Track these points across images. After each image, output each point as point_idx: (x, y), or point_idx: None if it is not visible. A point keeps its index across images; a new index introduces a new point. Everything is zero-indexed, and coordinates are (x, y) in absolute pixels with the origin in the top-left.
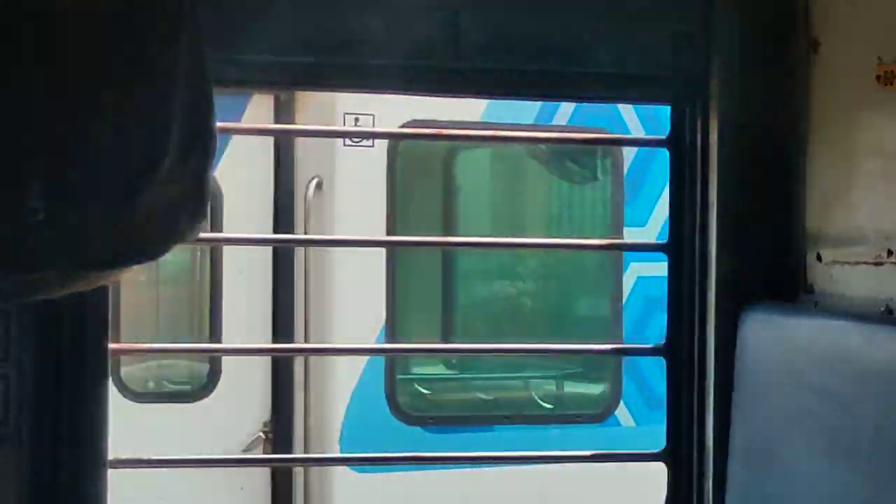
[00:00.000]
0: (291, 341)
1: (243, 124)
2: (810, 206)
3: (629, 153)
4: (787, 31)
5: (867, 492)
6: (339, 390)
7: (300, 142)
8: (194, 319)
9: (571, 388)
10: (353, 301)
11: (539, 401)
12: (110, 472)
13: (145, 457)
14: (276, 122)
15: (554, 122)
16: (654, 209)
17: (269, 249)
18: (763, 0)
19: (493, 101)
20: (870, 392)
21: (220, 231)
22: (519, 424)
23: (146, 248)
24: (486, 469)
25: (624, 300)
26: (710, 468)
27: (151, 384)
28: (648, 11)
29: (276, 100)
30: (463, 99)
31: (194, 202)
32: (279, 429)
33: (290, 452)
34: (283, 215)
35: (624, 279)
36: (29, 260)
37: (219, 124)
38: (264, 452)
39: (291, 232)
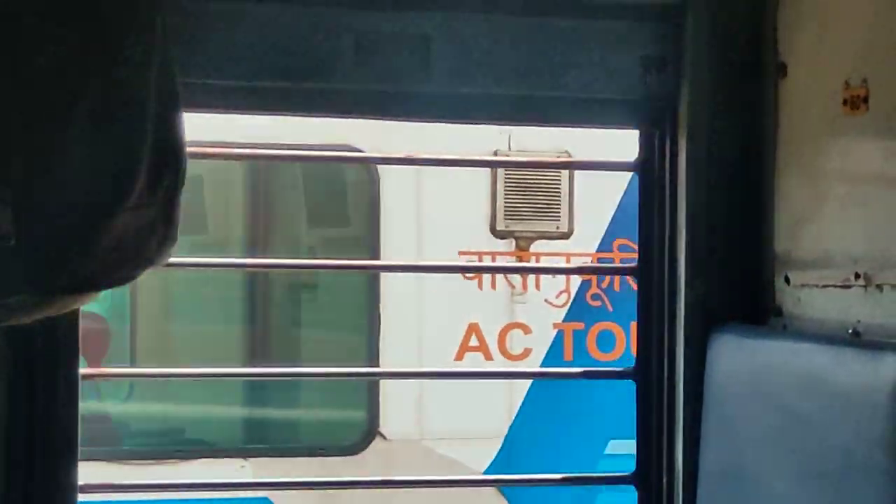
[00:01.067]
0: None
1: (215, 148)
2: (779, 230)
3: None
4: (756, 55)
5: None
6: None
7: None
8: None
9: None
10: None
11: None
12: (82, 498)
13: (117, 482)
14: None
15: None
16: None
17: None
18: (732, 25)
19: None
20: (838, 414)
21: None
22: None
23: (117, 273)
24: None
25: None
26: (679, 492)
27: None
28: (618, 36)
29: None
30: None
31: (165, 226)
32: None
33: None
34: None
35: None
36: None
37: (190, 149)
38: None
39: None
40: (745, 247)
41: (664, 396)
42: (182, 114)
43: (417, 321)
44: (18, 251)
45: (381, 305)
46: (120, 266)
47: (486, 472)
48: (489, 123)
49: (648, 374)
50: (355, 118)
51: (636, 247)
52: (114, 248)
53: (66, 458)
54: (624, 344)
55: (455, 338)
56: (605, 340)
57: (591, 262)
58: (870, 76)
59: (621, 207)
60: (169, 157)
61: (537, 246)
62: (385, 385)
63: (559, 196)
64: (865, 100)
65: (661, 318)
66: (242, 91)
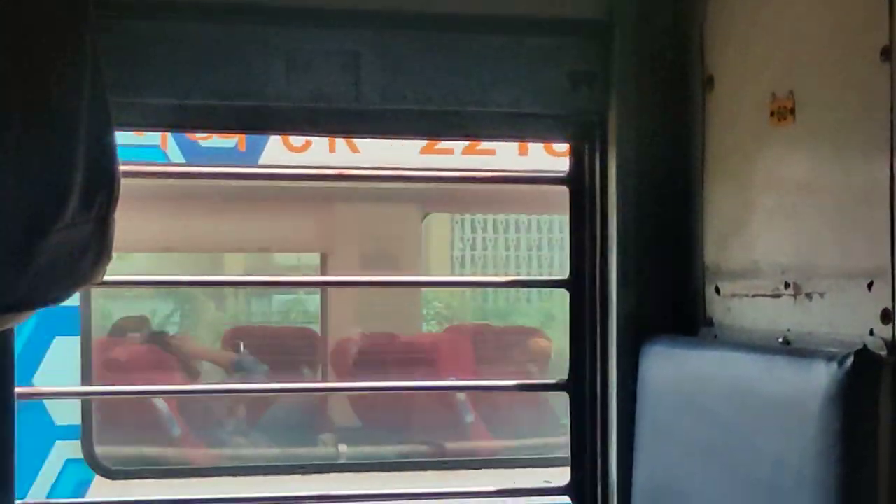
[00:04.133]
0: None
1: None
2: (708, 241)
3: None
4: (684, 69)
5: None
6: None
7: None
8: None
9: None
10: None
11: None
12: None
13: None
14: None
15: None
16: None
17: None
18: (659, 40)
19: None
20: (769, 422)
21: None
22: None
23: (50, 292)
24: None
25: None
26: (614, 502)
27: None
28: (547, 52)
29: None
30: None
31: (98, 245)
32: None
33: None
34: None
35: None
36: None
37: (122, 167)
38: None
39: None
40: (675, 258)
41: (597, 408)
42: (115, 133)
43: None
44: None
45: None
46: (54, 285)
47: None
48: (419, 139)
49: (581, 386)
50: (286, 134)
51: None
52: (48, 267)
53: (2, 478)
54: None
55: None
56: None
57: None
58: (796, 88)
59: None
60: (102, 175)
61: None
62: None
63: None
64: (792, 111)
65: (592, 331)
66: (174, 109)
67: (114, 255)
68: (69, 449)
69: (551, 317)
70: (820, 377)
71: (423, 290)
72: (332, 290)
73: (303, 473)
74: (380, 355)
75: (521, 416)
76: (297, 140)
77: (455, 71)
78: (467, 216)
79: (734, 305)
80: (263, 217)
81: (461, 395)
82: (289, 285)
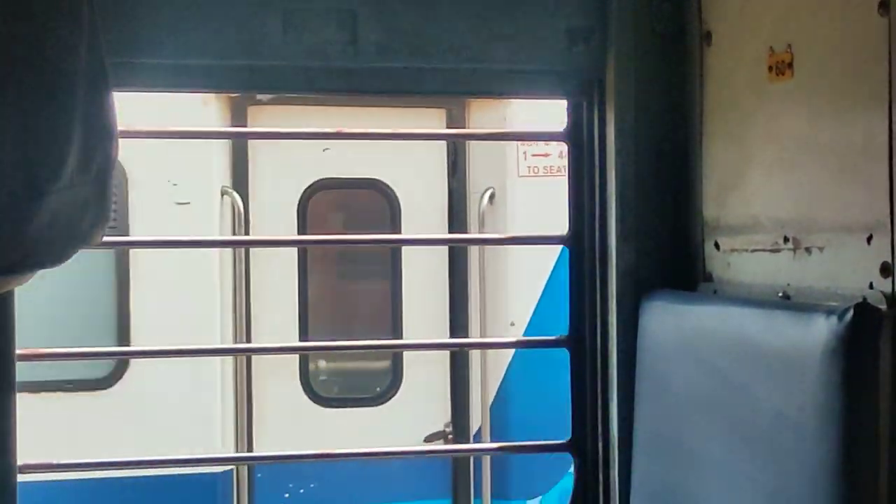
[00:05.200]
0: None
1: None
2: (707, 196)
3: None
4: (681, 25)
5: (769, 476)
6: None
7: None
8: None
9: None
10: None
11: None
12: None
13: (55, 461)
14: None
15: None
16: None
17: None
18: None
19: None
20: (769, 376)
21: None
22: None
23: (50, 254)
24: None
25: None
26: (615, 457)
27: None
28: (545, 8)
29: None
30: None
31: (97, 206)
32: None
33: None
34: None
35: None
36: None
37: (121, 128)
38: None
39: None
40: (674, 214)
41: (598, 364)
42: (112, 93)
43: None
44: None
45: None
46: (53, 246)
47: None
48: (416, 95)
49: (581, 342)
50: (283, 93)
51: None
52: (47, 228)
53: (4, 439)
54: None
55: None
56: None
57: None
58: (794, 42)
59: None
60: (100, 136)
61: None
62: None
63: None
64: (790, 65)
65: (592, 287)
66: (172, 70)
67: None
68: None
69: None
70: (820, 331)
71: None
72: None
73: None
74: None
75: None
76: None
77: (452, 28)
78: None
79: (733, 260)
80: None
81: None
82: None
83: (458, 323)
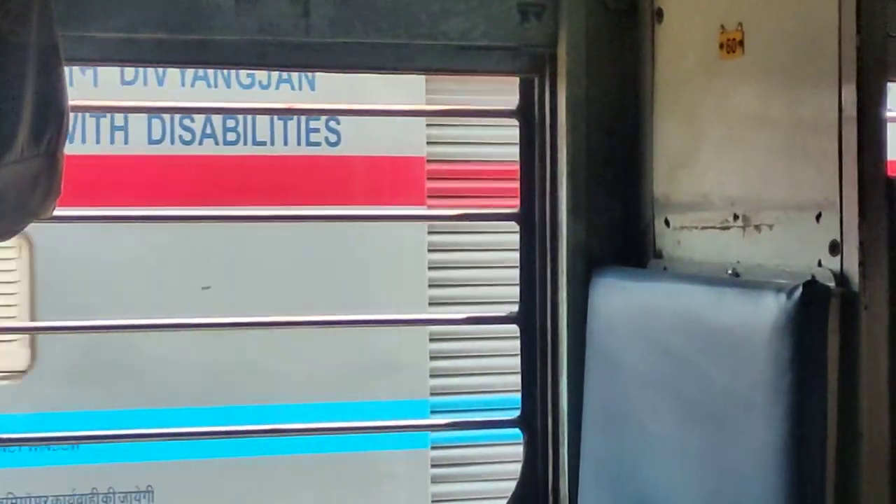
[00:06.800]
0: None
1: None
2: (658, 174)
3: None
4: (633, 1)
5: (718, 452)
6: None
7: None
8: None
9: None
10: None
11: None
12: None
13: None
14: None
15: None
16: None
17: None
18: None
19: None
20: (718, 353)
21: None
22: None
23: (0, 226)
24: None
25: None
26: (565, 434)
27: None
28: None
29: None
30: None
31: (48, 180)
32: None
33: None
34: None
35: None
36: None
37: (71, 102)
38: None
39: None
40: (624, 191)
41: (548, 340)
42: (63, 67)
43: None
44: None
45: None
46: (3, 219)
47: None
48: (369, 73)
49: (532, 318)
50: (234, 69)
51: None
52: None
53: None
54: None
55: None
56: None
57: None
58: (745, 19)
59: None
60: (51, 110)
61: None
62: None
63: None
64: (741, 43)
65: (543, 263)
66: (121, 43)
67: None
68: None
69: None
70: (769, 308)
71: None
72: None
73: None
74: None
75: None
76: None
77: (405, 3)
78: None
79: (683, 237)
80: None
81: None
82: None
83: None
